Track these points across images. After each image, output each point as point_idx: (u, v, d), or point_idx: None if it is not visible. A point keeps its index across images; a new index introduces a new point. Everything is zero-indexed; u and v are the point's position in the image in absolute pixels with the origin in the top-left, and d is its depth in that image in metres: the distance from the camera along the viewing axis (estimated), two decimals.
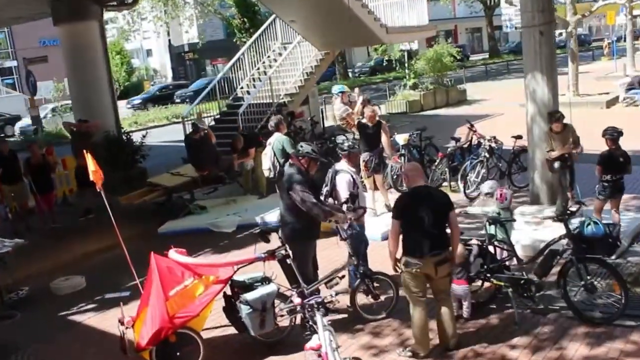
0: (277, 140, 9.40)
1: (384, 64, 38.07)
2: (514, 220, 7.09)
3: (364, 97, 11.85)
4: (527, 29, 10.02)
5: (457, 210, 6.99)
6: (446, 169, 11.88)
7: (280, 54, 20.31)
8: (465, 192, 11.11)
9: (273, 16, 19.75)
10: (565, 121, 9.10)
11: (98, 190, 6.26)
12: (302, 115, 18.67)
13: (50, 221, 11.97)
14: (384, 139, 10.52)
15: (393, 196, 10.84)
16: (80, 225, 11.95)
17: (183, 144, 18.80)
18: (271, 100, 17.96)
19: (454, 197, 10.79)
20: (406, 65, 26.72)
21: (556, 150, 9.09)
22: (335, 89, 12.45)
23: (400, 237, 5.75)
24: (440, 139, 13.42)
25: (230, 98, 19.70)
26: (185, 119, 18.44)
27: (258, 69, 20.11)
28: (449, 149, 11.98)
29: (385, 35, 17.63)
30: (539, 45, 9.89)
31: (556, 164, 9.18)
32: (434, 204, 5.71)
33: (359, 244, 6.79)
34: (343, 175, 6.96)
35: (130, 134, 15.37)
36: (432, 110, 24.35)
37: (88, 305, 8.05)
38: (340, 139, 13.26)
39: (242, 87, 19.71)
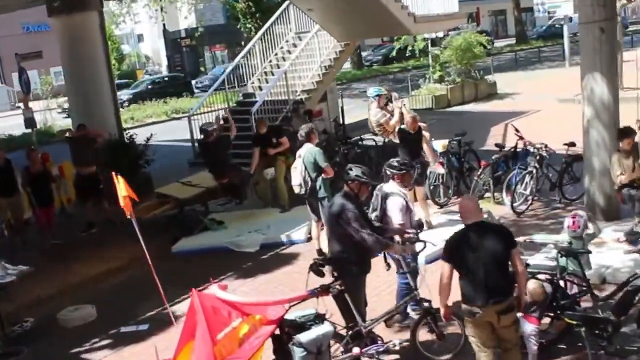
0: (309, 152, 9.19)
1: (395, 53, 37.69)
2: (589, 252, 6.86)
3: (402, 101, 11.63)
4: (586, 26, 9.78)
5: (520, 239, 6.82)
6: (489, 179, 11.67)
7: (294, 45, 20.15)
8: (512, 206, 10.91)
9: (286, 2, 19.54)
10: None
11: (128, 216, 6.04)
12: (321, 114, 18.52)
13: (50, 236, 11.81)
14: (425, 146, 10.42)
15: (432, 210, 10.75)
16: (83, 241, 11.78)
17: (188, 144, 19.50)
18: (286, 97, 17.82)
19: (499, 210, 10.89)
20: (430, 55, 26.45)
21: (626, 173, 8.57)
22: (372, 91, 12.17)
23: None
24: (474, 140, 13.18)
25: (241, 94, 19.54)
26: (193, 116, 18.27)
27: (270, 61, 19.95)
28: (492, 158, 11.73)
29: (412, 25, 17.37)
30: (599, 43, 9.66)
31: (631, 191, 8.60)
32: (493, 243, 5.42)
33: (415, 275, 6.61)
34: (395, 199, 6.76)
35: (134, 135, 15.12)
36: (460, 106, 24.10)
37: (102, 341, 7.87)
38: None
39: (252, 82, 19.54)
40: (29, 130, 15.78)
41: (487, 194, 11.67)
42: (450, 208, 11.14)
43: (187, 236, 11.23)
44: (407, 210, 6.76)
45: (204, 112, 18.69)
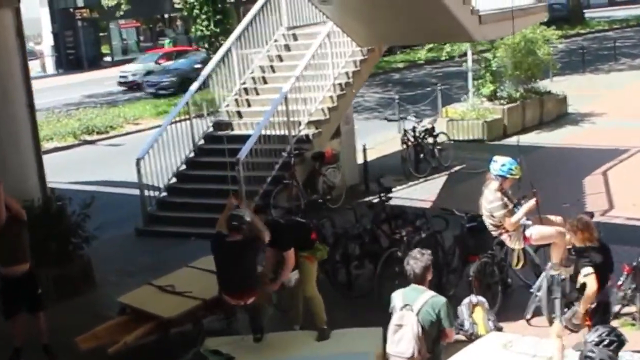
0: (430, 304, 8.56)
1: None
2: None
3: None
4: None
5: None
6: (630, 289, 11.42)
7: (287, 47, 19.99)
8: None
9: None
10: None
11: None
12: (335, 158, 18.22)
13: None
14: None
15: None
16: None
17: (129, 192, 18.82)
18: (284, 132, 17.52)
19: None
20: (469, 58, 26.40)
21: None
22: (497, 167, 11.54)
23: None
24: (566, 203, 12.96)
25: (210, 124, 19.08)
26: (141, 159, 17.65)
27: (252, 72, 19.65)
28: (638, 259, 11.50)
29: (477, 28, 17.30)
30: None
31: None
32: None
33: None
34: None
35: (65, 200, 14.52)
36: (522, 135, 23.91)
37: None
38: None
39: (227, 105, 19.23)
40: None
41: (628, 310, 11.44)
42: None
43: None
44: None
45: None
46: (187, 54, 44.17)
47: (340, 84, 18.61)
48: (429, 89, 29.79)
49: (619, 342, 6.72)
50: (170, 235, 16.64)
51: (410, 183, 19.48)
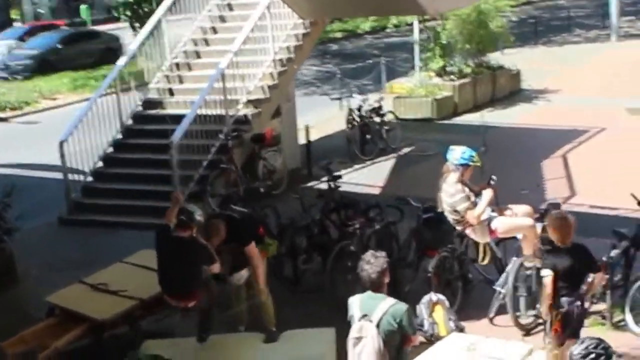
0: (391, 313, 8.49)
1: None
2: None
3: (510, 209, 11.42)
4: None
5: None
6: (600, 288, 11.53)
7: (222, 18, 19.85)
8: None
9: None
10: None
11: None
12: (276, 140, 18.17)
13: None
14: None
15: None
16: None
17: (48, 175, 18.43)
18: (222, 111, 17.46)
19: (619, 339, 10.76)
20: (416, 29, 26.48)
21: None
22: (456, 156, 11.40)
23: None
24: (525, 189, 13.16)
25: (139, 102, 18.83)
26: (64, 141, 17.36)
27: (184, 45, 19.47)
28: (611, 254, 11.58)
29: (429, 0, 17.16)
30: None
31: None
32: None
33: None
34: None
35: None
36: (473, 114, 24.13)
37: None
38: None
39: (157, 82, 19.02)
40: None
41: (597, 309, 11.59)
42: None
43: None
44: None
45: None
46: (51, 30, 41.41)
47: (280, 60, 18.48)
48: (370, 61, 29.83)
49: (607, 355, 6.71)
50: (97, 224, 16.36)
51: (357, 166, 19.51)
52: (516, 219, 11.45)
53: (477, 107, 24.81)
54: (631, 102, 22.32)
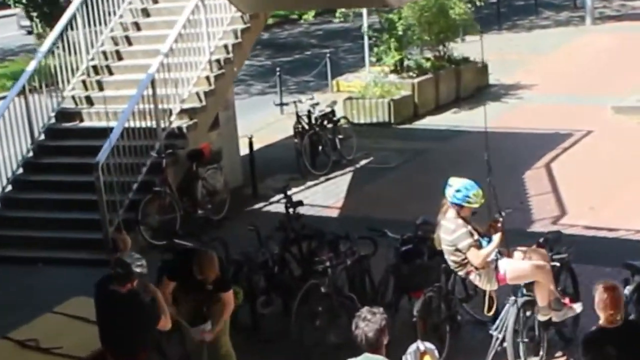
0: None
1: None
2: None
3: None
4: None
5: None
6: None
7: (145, 12, 19.90)
8: None
9: None
10: None
11: None
12: (216, 156, 18.02)
13: None
14: None
15: None
16: None
17: None
18: (154, 124, 17.23)
19: None
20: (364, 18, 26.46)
21: None
22: (453, 190, 11.27)
23: None
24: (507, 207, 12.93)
25: (52, 114, 18.39)
26: None
27: (102, 45, 19.25)
28: (626, 292, 11.55)
29: None
30: None
31: None
32: None
33: None
34: None
35: None
36: (435, 116, 24.05)
37: None
38: None
39: (73, 88, 18.79)
40: None
41: None
42: None
43: None
44: None
45: None
46: None
47: (217, 61, 18.30)
48: (308, 52, 29.84)
49: None
50: (7, 261, 15.89)
51: (309, 183, 19.19)
52: (526, 262, 11.31)
53: (440, 108, 24.83)
54: (617, 101, 22.43)
